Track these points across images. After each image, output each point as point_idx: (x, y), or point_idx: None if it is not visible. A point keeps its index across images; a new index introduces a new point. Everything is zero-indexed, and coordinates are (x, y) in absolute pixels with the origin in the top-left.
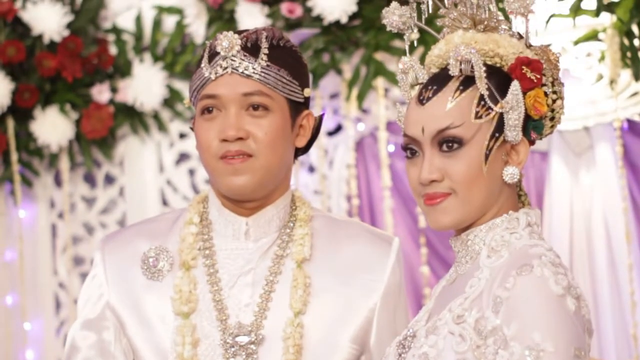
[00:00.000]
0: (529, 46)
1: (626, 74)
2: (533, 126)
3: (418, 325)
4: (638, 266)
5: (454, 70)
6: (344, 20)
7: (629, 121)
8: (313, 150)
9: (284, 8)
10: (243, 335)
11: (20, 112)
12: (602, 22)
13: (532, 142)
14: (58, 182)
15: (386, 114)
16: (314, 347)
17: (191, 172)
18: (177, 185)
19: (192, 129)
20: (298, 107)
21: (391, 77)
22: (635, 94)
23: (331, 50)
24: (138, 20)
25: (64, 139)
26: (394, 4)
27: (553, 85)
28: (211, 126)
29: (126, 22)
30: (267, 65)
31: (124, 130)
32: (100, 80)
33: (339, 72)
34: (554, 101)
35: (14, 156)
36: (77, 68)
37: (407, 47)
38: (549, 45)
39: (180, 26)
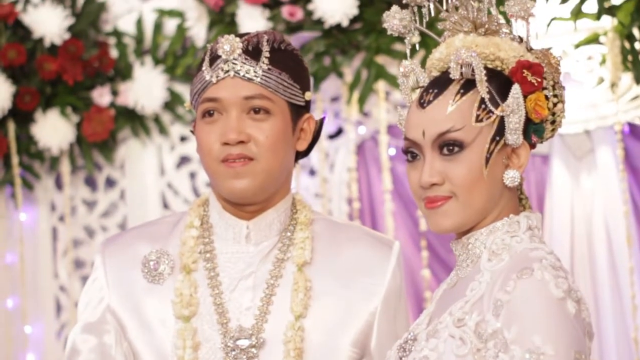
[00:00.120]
0: (529, 50)
1: (627, 78)
2: (534, 130)
3: (419, 329)
4: (639, 269)
5: (454, 74)
6: (345, 23)
7: (630, 124)
8: (314, 153)
9: (284, 11)
10: (244, 338)
11: (21, 115)
12: (603, 26)
13: (533, 146)
14: (59, 185)
15: (387, 118)
16: (315, 350)
17: (192, 175)
18: (178, 188)
19: (192, 132)
20: (299, 110)
21: (392, 81)
22: (636, 97)
23: (332, 54)
24: (139, 23)
25: (65, 142)
26: (394, 8)
27: (554, 89)
28: (212, 129)
29: (127, 25)
30: (269, 69)
31: (125, 134)
32: (101, 84)
33: (340, 75)
34: (554, 104)
35: (15, 159)
36: (78, 71)
37: (408, 51)
38: (549, 48)
39: (181, 29)
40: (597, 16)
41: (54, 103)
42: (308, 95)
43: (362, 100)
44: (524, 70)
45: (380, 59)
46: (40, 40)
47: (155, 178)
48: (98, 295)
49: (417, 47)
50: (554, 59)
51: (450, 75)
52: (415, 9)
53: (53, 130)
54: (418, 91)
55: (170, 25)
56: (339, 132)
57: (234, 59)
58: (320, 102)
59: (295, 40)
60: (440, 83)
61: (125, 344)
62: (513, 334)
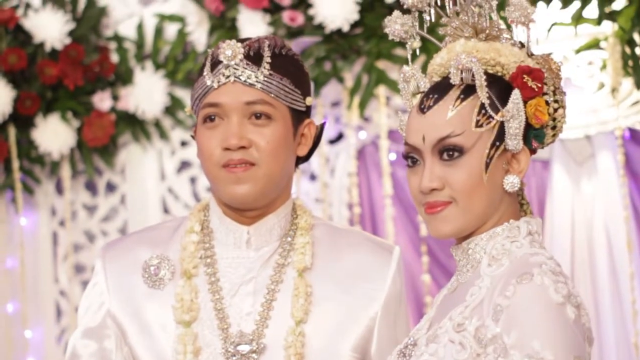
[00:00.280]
0: (530, 55)
1: (628, 83)
2: (534, 135)
3: (419, 334)
4: (639, 275)
5: (455, 79)
6: (345, 28)
7: (631, 130)
8: (314, 158)
9: (285, 16)
10: (244, 344)
11: (22, 119)
12: (604, 31)
13: (533, 151)
14: (59, 189)
15: (387, 123)
16: (315, 355)
17: (192, 180)
18: (179, 193)
19: (193, 137)
20: (300, 115)
21: (393, 86)
22: (636, 102)
23: (333, 59)
24: (140, 28)
25: (66, 147)
26: (396, 13)
27: (554, 94)
28: (213, 134)
29: (128, 30)
30: (270, 74)
31: (126, 138)
32: (102, 88)
33: (341, 80)
34: (555, 110)
35: (16, 164)
36: (78, 76)
37: (409, 56)
38: (550, 54)
39: (181, 34)
40: (598, 21)
41: (55, 108)
42: (309, 100)
43: (362, 105)
44: (525, 76)
45: (381, 64)
46: (41, 45)
47: (155, 183)
48: (98, 300)
49: (418, 52)
50: (555, 64)
51: (451, 81)
52: (417, 14)
53: (54, 134)
54: (419, 96)
55: (171, 30)
56: (339, 137)
57: (236, 64)
58: (321, 107)
59: (295, 45)
60: (441, 88)
61: (125, 349)
62: (512, 339)
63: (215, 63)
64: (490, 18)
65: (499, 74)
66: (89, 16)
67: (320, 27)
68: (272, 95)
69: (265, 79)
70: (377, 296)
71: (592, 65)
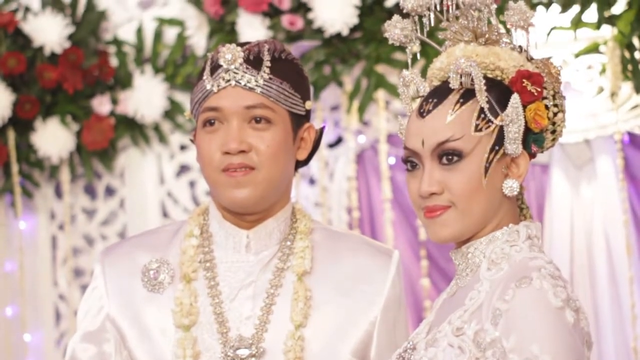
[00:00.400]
0: (530, 59)
1: (627, 87)
2: (533, 139)
3: (418, 338)
4: (638, 279)
5: (454, 83)
6: (345, 32)
7: (630, 134)
8: (313, 162)
9: (285, 20)
10: (244, 348)
11: (21, 123)
12: (603, 35)
13: (532, 155)
14: (58, 193)
15: (387, 127)
16: (315, 359)
17: (192, 184)
18: (178, 197)
19: (192, 141)
20: (299, 119)
21: (392, 90)
22: (636, 106)
23: (332, 63)
24: (139, 32)
25: (65, 151)
26: (395, 17)
27: (554, 99)
28: (213, 138)
29: (127, 34)
30: (270, 78)
31: (125, 142)
32: (101, 92)
33: (340, 84)
34: (555, 114)
35: (15, 168)
36: (78, 80)
37: (409, 60)
38: (549, 58)
39: (181, 38)
40: (597, 25)
41: (54, 111)
42: (308, 104)
43: (362, 109)
44: (524, 80)
45: (380, 68)
46: (40, 49)
47: (154, 187)
48: (98, 304)
49: (418, 56)
50: (555, 68)
51: (450, 85)
52: (416, 18)
53: (53, 138)
54: (418, 100)
55: (171, 34)
56: (338, 141)
57: (235, 68)
58: (320, 111)
59: (295, 49)
60: (440, 92)
61: (124, 352)
62: (511, 343)
63: (215, 67)
64: (490, 22)
65: (499, 78)
66: (89, 20)
67: (319, 31)
68: (272, 99)
69: (265, 83)
70: (376, 300)
71: (592, 69)
